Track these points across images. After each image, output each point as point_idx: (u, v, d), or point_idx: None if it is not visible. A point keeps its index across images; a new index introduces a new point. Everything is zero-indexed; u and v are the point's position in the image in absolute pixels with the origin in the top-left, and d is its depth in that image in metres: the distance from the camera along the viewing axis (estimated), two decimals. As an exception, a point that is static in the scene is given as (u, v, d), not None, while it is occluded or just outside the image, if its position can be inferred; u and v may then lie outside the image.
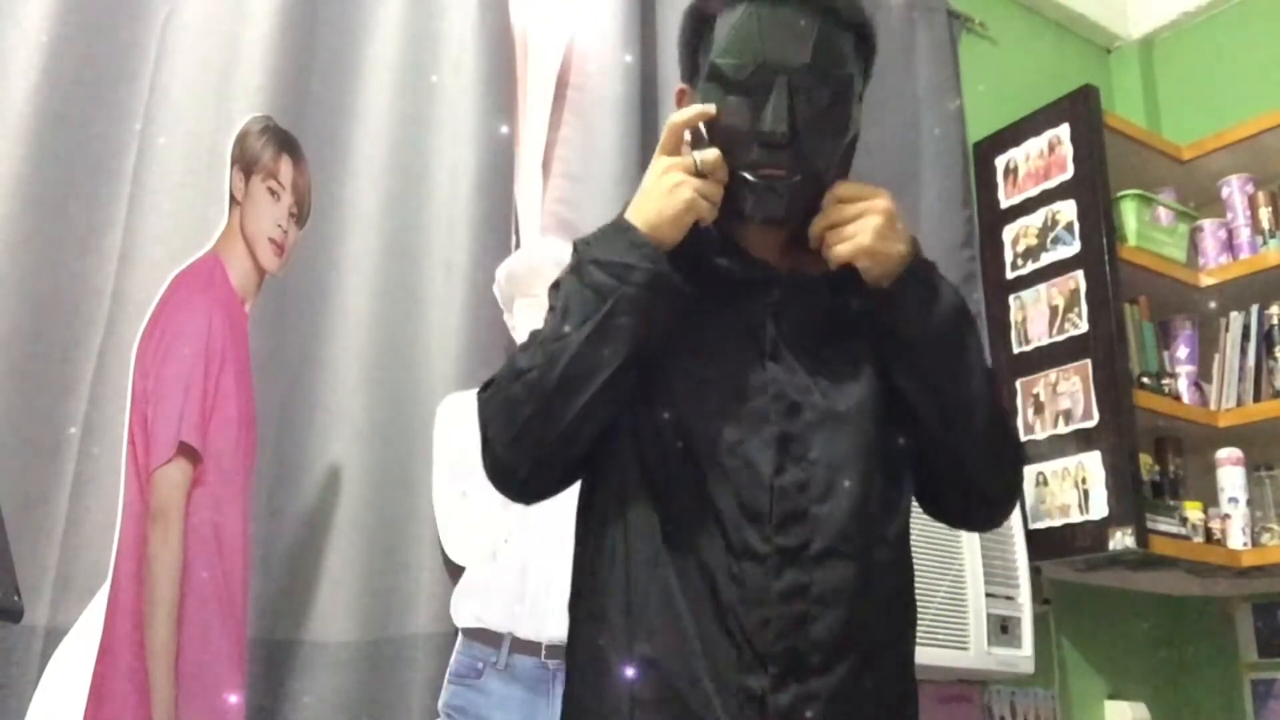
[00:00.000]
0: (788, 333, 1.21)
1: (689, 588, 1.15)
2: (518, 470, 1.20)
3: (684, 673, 1.13)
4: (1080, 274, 2.56)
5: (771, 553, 1.13)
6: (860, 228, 1.18)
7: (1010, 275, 2.71)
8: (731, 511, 1.15)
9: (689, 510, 1.16)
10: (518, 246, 2.07)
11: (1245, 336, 2.73)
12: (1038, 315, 2.63)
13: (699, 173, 1.17)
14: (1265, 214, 2.76)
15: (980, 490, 1.27)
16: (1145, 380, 2.60)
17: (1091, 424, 2.47)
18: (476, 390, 1.25)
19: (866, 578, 1.15)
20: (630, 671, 1.14)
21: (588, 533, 1.25)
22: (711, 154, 1.18)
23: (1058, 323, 2.59)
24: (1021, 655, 2.30)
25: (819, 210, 1.22)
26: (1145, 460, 2.55)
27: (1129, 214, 2.69)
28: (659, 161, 1.19)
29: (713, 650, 1.13)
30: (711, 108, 1.19)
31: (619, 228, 1.18)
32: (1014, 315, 2.68)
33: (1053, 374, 2.57)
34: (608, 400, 1.16)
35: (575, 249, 1.22)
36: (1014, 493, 1.32)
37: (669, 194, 1.16)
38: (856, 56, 1.21)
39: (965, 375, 1.21)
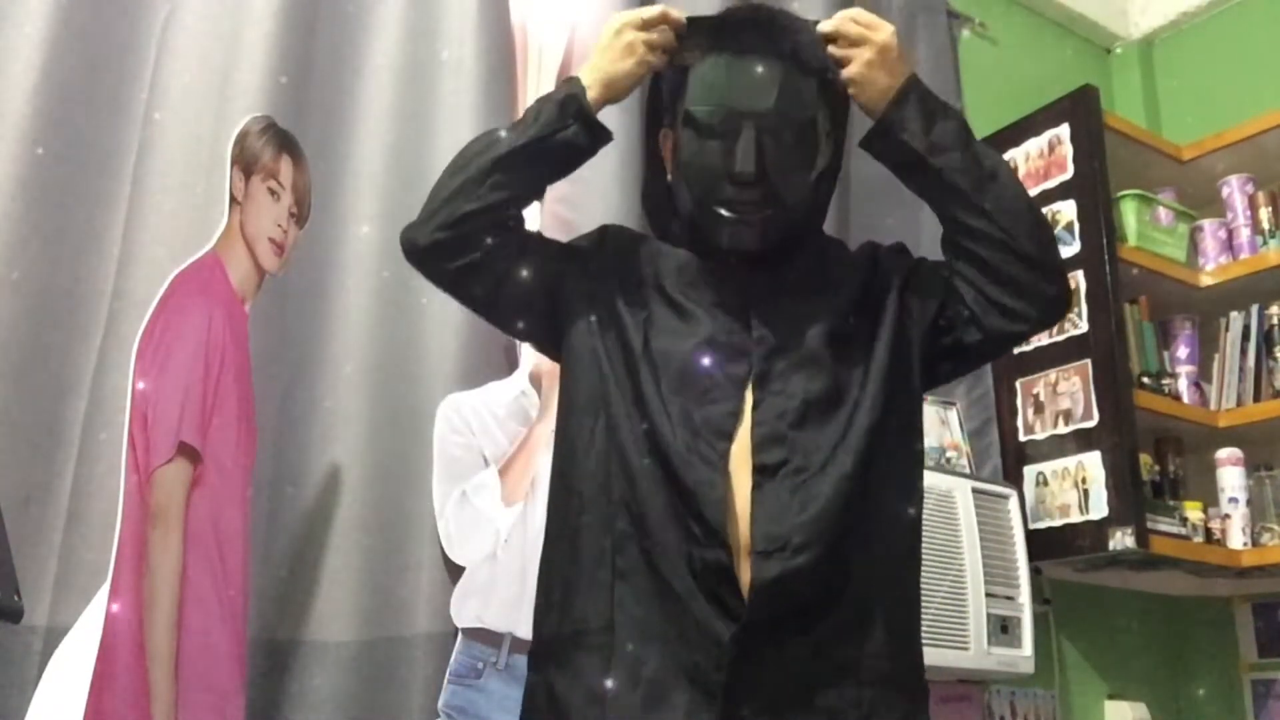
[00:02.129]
0: (769, 293, 1.34)
1: (659, 475, 1.26)
2: (412, 228, 1.36)
3: (656, 542, 1.24)
4: (1080, 274, 2.56)
5: (751, 469, 1.25)
6: (854, 54, 1.31)
7: (1010, 275, 2.71)
8: (694, 425, 1.26)
9: (657, 421, 1.27)
10: (518, 246, 2.07)
11: (1245, 336, 2.73)
12: (1038, 315, 2.63)
13: (646, 26, 1.34)
14: (1265, 214, 2.76)
15: (1033, 259, 1.32)
16: (1145, 380, 2.60)
17: (1091, 424, 2.47)
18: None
19: (843, 489, 1.25)
20: (609, 544, 1.26)
21: (566, 420, 1.36)
22: (656, 9, 1.34)
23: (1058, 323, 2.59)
24: (1021, 655, 2.30)
25: (790, 243, 1.36)
26: (1145, 460, 2.55)
27: (1129, 214, 2.69)
28: (613, 22, 1.36)
29: (679, 529, 1.23)
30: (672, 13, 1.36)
31: (564, 79, 1.37)
32: (1014, 315, 2.68)
33: (1053, 374, 2.57)
34: (495, 180, 1.32)
35: None
36: (1061, 259, 1.39)
37: (622, 53, 1.34)
38: (821, 99, 1.33)
39: (979, 165, 1.31)
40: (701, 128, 1.30)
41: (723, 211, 1.30)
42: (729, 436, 1.26)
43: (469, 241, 1.33)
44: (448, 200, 1.33)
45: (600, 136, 1.36)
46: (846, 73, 1.32)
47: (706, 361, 1.29)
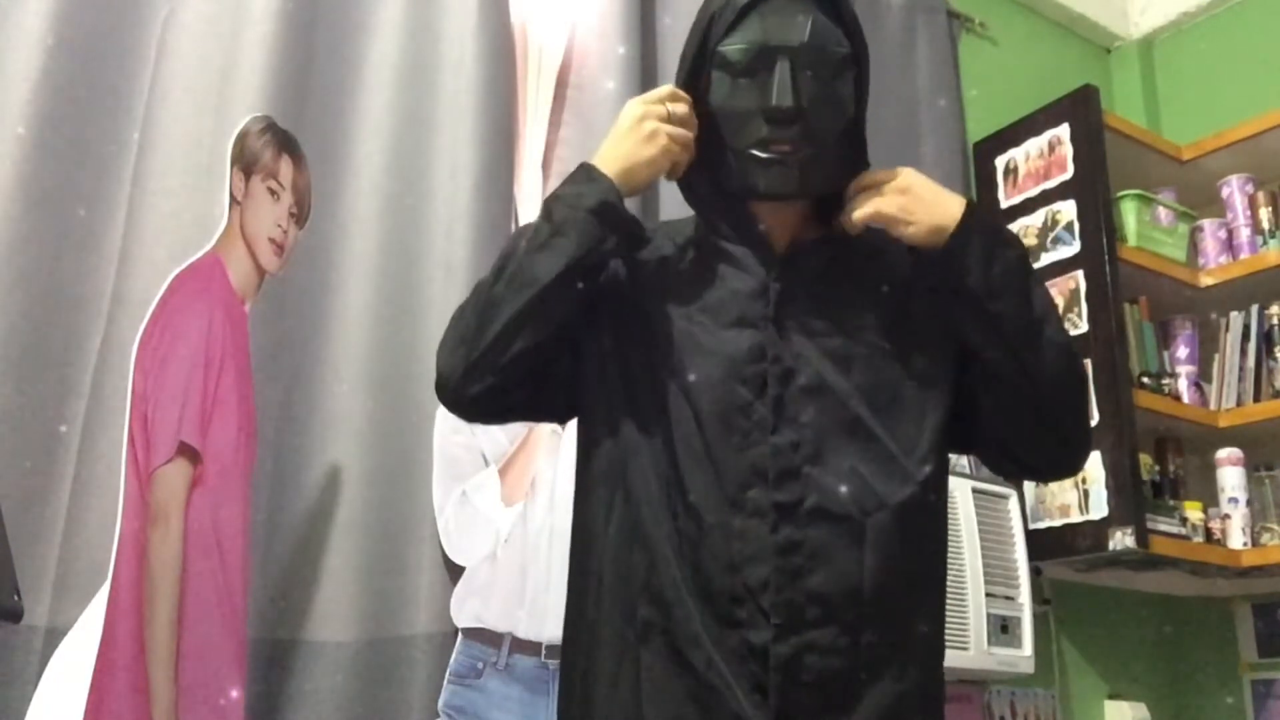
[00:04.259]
0: (789, 299, 1.24)
1: (688, 547, 1.17)
2: (452, 377, 1.23)
3: (684, 632, 1.16)
4: (1080, 274, 2.56)
5: (770, 509, 1.17)
6: (880, 194, 1.23)
7: (1010, 275, 2.71)
8: (739, 472, 1.18)
9: (693, 473, 1.19)
10: (518, 246, 2.07)
11: (1245, 336, 2.73)
12: (1038, 315, 2.63)
13: (671, 119, 1.24)
14: (1265, 214, 2.76)
15: (1057, 428, 1.26)
16: (1145, 380, 2.60)
17: (1091, 424, 2.47)
18: None
19: (859, 539, 1.17)
20: (632, 636, 1.18)
21: (584, 495, 1.28)
22: (682, 106, 1.25)
23: (1058, 323, 2.59)
24: (1021, 655, 2.30)
25: (825, 185, 1.26)
26: (1145, 460, 2.55)
27: (1129, 214, 2.69)
28: (635, 107, 1.26)
29: (712, 607, 1.16)
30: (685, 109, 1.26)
31: (583, 169, 1.25)
32: (1014, 315, 2.68)
33: (1053, 374, 2.56)
34: (541, 315, 1.20)
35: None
36: (1088, 428, 1.32)
37: (644, 141, 1.24)
38: (850, 48, 1.26)
39: (1029, 318, 1.21)
40: (733, 67, 1.22)
41: (758, 153, 1.22)
42: (769, 477, 1.18)
43: (518, 379, 1.23)
44: (494, 346, 1.20)
45: (643, 238, 1.29)
46: (876, 210, 1.23)
47: (736, 396, 1.20)
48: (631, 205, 2.17)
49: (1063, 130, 2.68)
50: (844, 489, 1.18)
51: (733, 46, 1.22)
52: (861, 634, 1.16)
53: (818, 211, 1.30)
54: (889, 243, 1.27)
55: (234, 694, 1.64)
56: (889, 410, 1.22)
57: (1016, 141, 2.78)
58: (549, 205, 1.24)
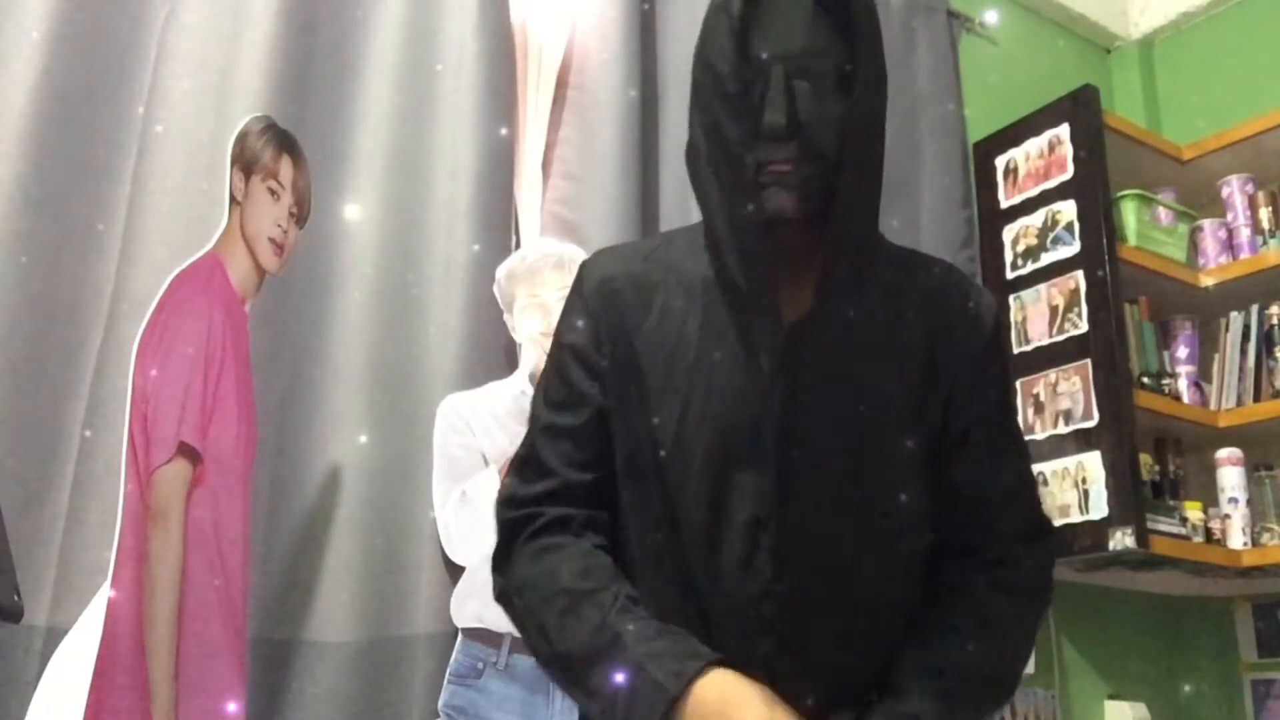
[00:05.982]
0: (792, 373, 1.17)
1: (692, 606, 1.16)
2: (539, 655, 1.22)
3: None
4: (1080, 274, 2.56)
5: (768, 563, 1.14)
6: None
7: (1010, 275, 2.71)
8: (743, 524, 1.14)
9: (699, 525, 1.16)
10: (518, 246, 2.07)
11: (1245, 336, 2.73)
12: (1038, 315, 2.63)
13: None
14: (1265, 214, 2.77)
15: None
16: (1145, 380, 2.60)
17: (1091, 424, 2.47)
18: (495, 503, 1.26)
19: (857, 602, 1.17)
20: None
21: None
22: None
23: (1058, 323, 2.59)
24: (1021, 655, 2.30)
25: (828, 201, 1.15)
26: (1145, 460, 2.55)
27: (1129, 214, 2.70)
28: None
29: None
30: None
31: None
32: (1014, 315, 2.68)
33: (1053, 374, 2.57)
34: None
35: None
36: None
37: None
38: (850, 44, 1.15)
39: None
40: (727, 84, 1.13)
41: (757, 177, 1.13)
42: (771, 528, 1.14)
43: None
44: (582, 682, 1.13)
45: None
46: None
47: (735, 463, 1.15)
48: (632, 207, 2.18)
49: (1063, 130, 2.68)
50: (837, 544, 1.16)
51: (729, 64, 1.13)
52: (867, 693, 1.15)
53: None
54: (906, 311, 1.22)
55: (233, 694, 1.64)
56: (885, 490, 1.18)
57: (1016, 141, 2.78)
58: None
